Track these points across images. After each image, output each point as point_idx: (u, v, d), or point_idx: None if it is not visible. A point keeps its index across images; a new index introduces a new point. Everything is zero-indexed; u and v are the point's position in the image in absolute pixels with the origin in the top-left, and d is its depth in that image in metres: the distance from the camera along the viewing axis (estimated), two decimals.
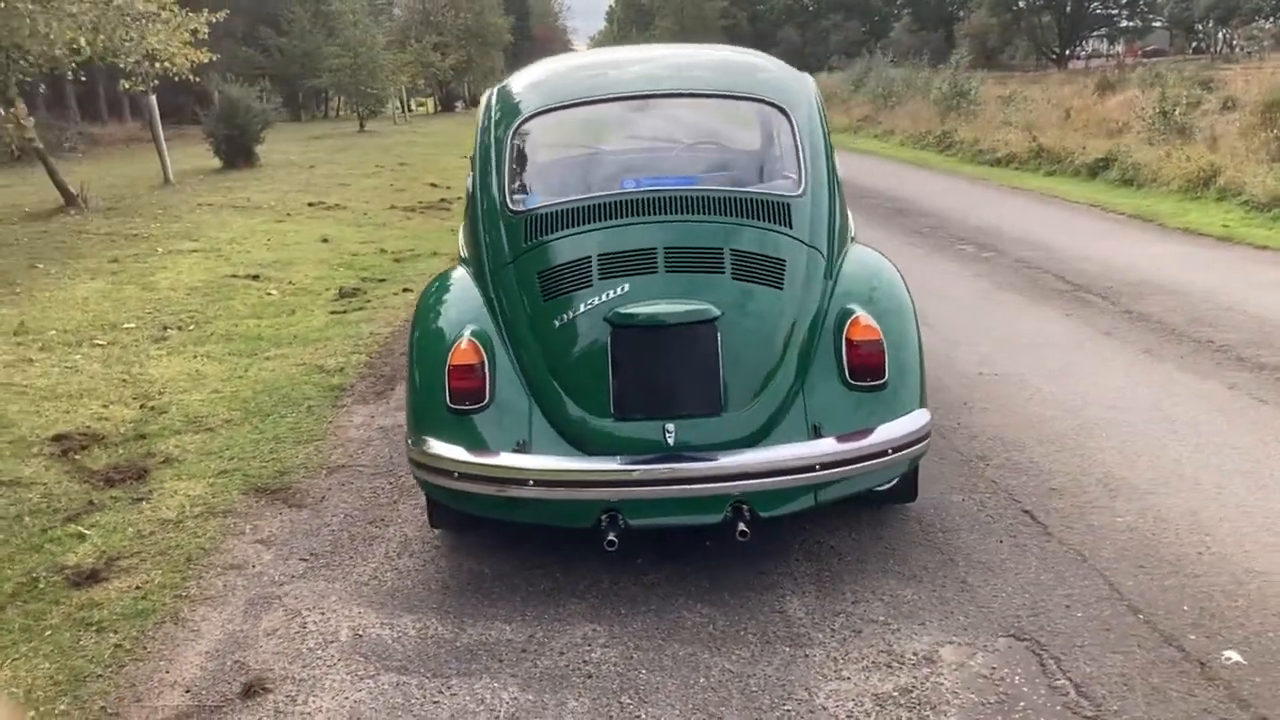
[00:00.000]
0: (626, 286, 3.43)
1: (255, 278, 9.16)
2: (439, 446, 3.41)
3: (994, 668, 2.91)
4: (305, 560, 3.80)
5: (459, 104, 51.66)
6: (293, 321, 7.58)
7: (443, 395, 3.45)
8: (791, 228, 3.64)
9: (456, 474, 3.34)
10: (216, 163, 19.09)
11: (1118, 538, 3.64)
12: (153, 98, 15.82)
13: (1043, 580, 3.37)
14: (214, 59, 16.49)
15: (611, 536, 3.23)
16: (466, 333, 3.54)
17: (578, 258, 3.53)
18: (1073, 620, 3.12)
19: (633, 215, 3.61)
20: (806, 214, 3.71)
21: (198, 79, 15.36)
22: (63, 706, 2.93)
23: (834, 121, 26.98)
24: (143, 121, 24.31)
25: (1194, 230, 9.76)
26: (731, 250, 3.52)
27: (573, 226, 3.62)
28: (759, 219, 3.62)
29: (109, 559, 3.84)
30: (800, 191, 3.76)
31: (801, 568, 3.53)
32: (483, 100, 4.38)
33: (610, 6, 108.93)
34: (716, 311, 3.35)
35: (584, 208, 3.66)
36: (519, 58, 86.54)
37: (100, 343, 7.08)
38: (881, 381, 3.46)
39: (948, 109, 22.09)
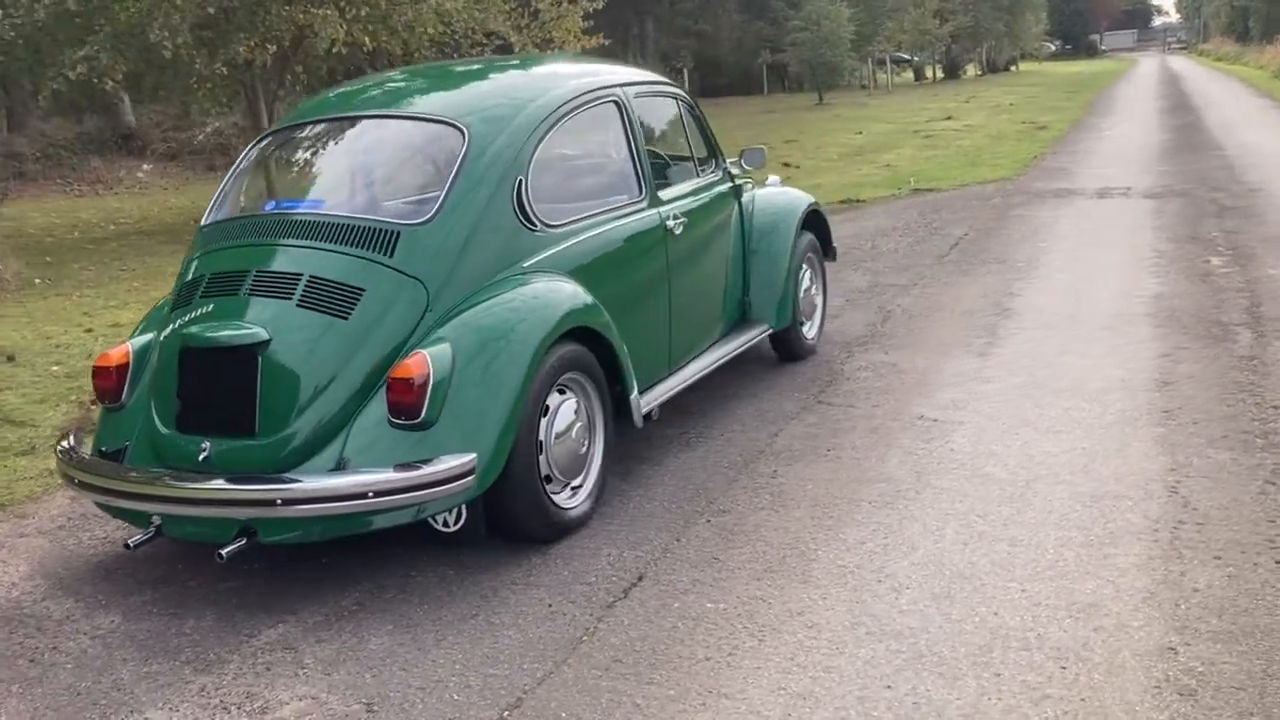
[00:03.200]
0: (211, 307, 3.64)
1: None
2: (73, 439, 3.87)
3: None
4: (73, 519, 4.42)
5: (963, 72, 49.88)
6: None
7: None
8: (392, 257, 3.61)
9: (60, 469, 3.79)
10: None
11: (660, 625, 3.24)
12: None
13: (477, 656, 3.12)
14: (605, 43, 17.77)
15: (129, 541, 3.51)
16: (135, 339, 3.95)
17: (196, 275, 3.79)
18: (445, 705, 2.90)
19: (247, 237, 3.80)
20: (424, 244, 3.65)
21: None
22: None
23: None
24: None
25: None
26: (311, 277, 3.58)
27: (207, 244, 3.88)
28: (357, 246, 3.63)
29: None
30: (425, 219, 3.69)
31: (373, 600, 3.50)
32: None
33: None
34: (263, 336, 3.46)
35: (218, 227, 3.90)
36: (1064, 18, 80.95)
37: None
38: (417, 421, 3.37)
39: None
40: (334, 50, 10.59)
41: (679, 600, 3.38)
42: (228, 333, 3.48)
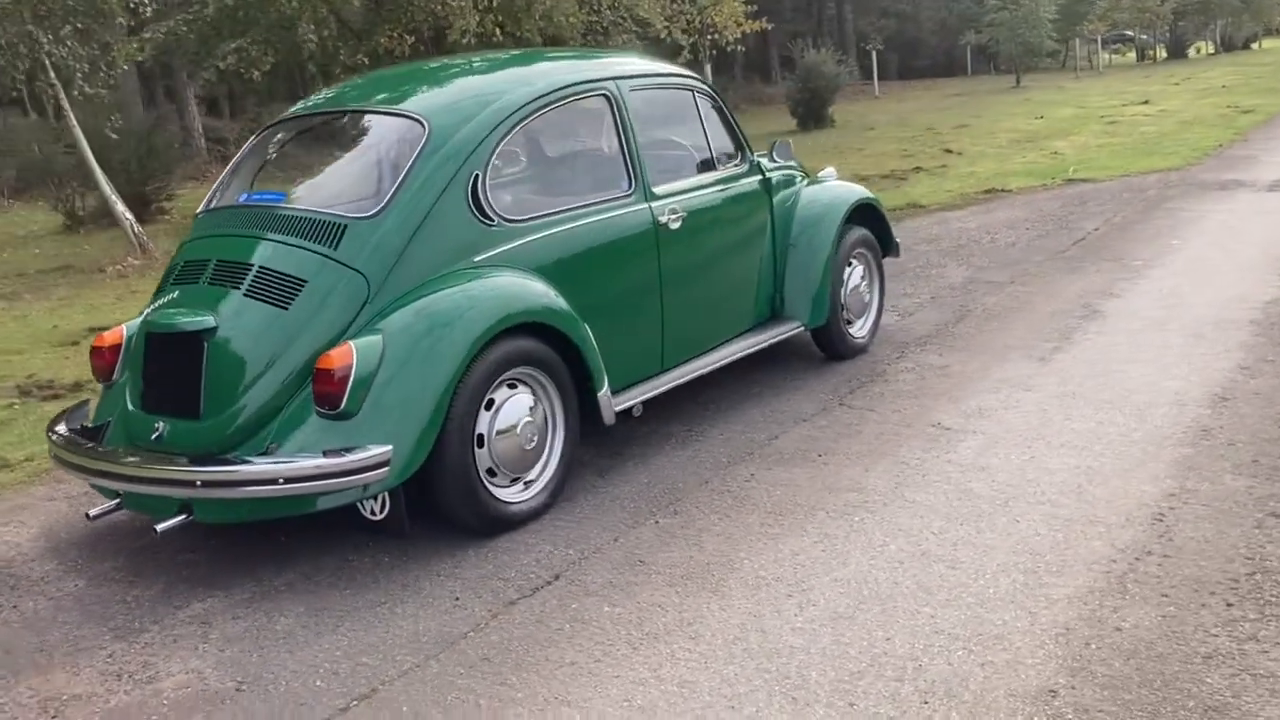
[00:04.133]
0: (176, 293, 3.85)
1: None
2: (72, 412, 4.16)
3: (157, 696, 2.97)
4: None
5: (1196, 50, 46.66)
6: None
7: None
8: (337, 250, 3.71)
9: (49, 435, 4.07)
10: (792, 124, 20.24)
11: (547, 627, 3.22)
12: (706, 67, 17.36)
13: (363, 644, 3.19)
14: (768, 29, 17.57)
15: (88, 511, 3.75)
16: (133, 321, 4.20)
17: (175, 262, 4.01)
18: (305, 690, 2.99)
19: (219, 228, 3.99)
20: (369, 237, 3.73)
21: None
22: None
23: None
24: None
25: None
26: (260, 267, 3.73)
27: (194, 233, 4.09)
28: (306, 238, 3.75)
29: None
30: (372, 213, 3.77)
31: (303, 581, 3.61)
32: None
33: None
34: (210, 324, 3.64)
35: (206, 216, 4.10)
36: None
37: None
38: (338, 411, 3.47)
39: None
40: (465, 40, 10.89)
41: (579, 602, 3.35)
42: (179, 319, 3.67)
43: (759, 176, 5.22)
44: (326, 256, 3.69)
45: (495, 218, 3.92)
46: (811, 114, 19.83)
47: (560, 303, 3.94)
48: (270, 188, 4.15)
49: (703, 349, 4.83)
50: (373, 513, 3.63)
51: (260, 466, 3.41)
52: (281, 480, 3.38)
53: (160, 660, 3.19)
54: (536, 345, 3.87)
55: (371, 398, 3.48)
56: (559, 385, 3.97)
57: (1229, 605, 3.08)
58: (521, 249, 3.96)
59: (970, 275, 7.74)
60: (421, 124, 3.93)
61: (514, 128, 4.03)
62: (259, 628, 3.34)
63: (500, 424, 3.78)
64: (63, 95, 9.52)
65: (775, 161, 5.39)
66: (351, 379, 3.45)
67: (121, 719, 2.92)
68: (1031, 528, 3.65)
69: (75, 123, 9.73)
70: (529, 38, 12.11)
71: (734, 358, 4.95)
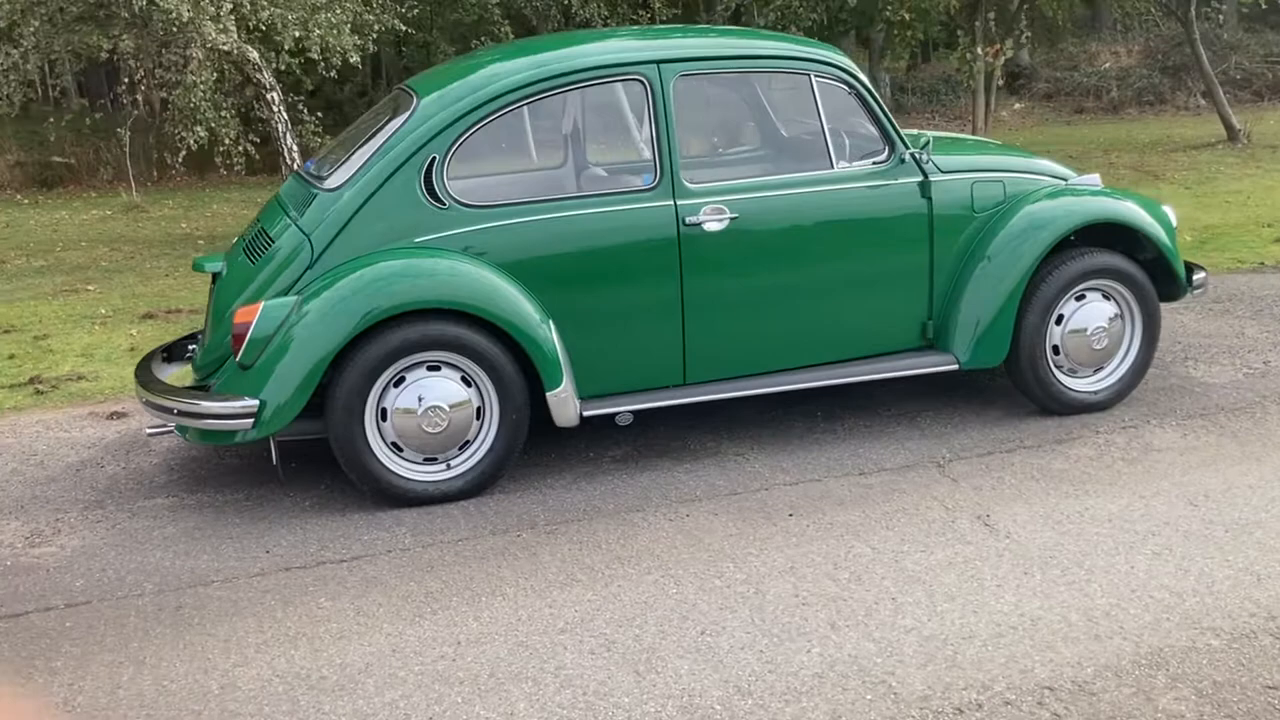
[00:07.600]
0: (234, 241, 4.56)
1: None
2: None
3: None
4: None
5: None
6: None
7: None
8: (303, 217, 4.09)
9: None
10: None
11: (260, 602, 3.39)
12: None
13: (167, 566, 3.61)
14: None
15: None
16: None
17: None
18: (104, 583, 3.54)
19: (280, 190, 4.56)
20: (326, 208, 4.00)
21: None
22: None
23: None
24: None
25: None
26: (260, 227, 4.27)
27: None
28: (293, 205, 4.19)
29: None
30: (336, 186, 4.05)
31: (253, 507, 4.11)
32: None
33: None
34: (218, 269, 4.32)
35: None
36: None
37: None
38: (237, 361, 3.92)
39: None
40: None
41: (325, 588, 3.43)
42: (205, 261, 4.35)
43: (914, 177, 4.39)
44: (293, 222, 4.06)
45: (448, 201, 3.95)
46: None
47: (499, 292, 3.86)
48: (314, 156, 4.58)
49: (763, 369, 4.29)
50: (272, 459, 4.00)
51: (167, 399, 3.96)
52: (176, 412, 3.91)
53: (66, 532, 3.93)
54: (463, 332, 3.86)
55: (264, 355, 3.81)
56: (495, 378, 3.92)
57: None
58: (473, 235, 3.94)
59: None
60: (414, 105, 4.07)
61: (493, 113, 3.96)
62: (147, 530, 3.92)
63: (403, 404, 3.87)
64: None
65: (949, 160, 4.44)
66: (249, 335, 3.81)
67: None
68: (838, 654, 2.88)
69: None
70: None
71: (801, 385, 4.31)
